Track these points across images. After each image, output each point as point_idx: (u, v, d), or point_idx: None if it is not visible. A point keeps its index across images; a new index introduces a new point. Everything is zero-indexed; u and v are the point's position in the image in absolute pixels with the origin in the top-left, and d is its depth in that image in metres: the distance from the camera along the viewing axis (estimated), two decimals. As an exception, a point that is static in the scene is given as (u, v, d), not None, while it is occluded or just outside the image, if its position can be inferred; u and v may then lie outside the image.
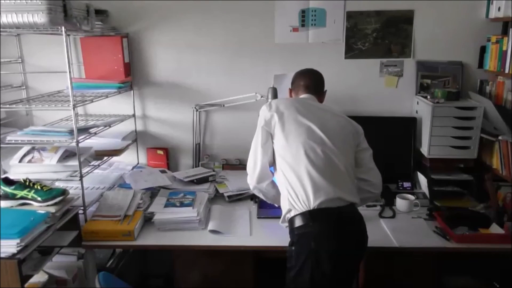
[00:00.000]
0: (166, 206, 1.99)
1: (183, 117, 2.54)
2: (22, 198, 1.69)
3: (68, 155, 1.96)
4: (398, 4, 2.36)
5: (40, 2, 1.60)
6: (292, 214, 1.57)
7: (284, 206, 1.62)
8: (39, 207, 1.66)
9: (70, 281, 1.94)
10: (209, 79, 2.50)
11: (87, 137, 1.96)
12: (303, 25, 2.40)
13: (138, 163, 2.60)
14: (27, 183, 1.72)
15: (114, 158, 2.39)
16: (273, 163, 1.71)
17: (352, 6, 2.36)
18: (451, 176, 2.24)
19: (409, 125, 2.36)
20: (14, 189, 1.70)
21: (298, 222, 1.53)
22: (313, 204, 1.51)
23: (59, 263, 1.98)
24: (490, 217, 1.91)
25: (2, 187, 1.70)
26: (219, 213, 2.04)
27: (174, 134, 2.59)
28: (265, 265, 1.96)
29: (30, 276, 1.59)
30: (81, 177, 1.86)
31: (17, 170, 1.91)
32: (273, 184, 1.74)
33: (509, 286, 1.97)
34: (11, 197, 1.70)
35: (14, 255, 1.42)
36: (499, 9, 2.19)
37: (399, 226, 1.93)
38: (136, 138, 2.58)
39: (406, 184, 2.29)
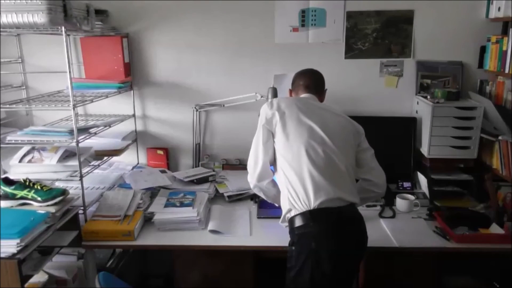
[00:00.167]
0: (166, 206, 1.99)
1: (183, 117, 2.54)
2: (22, 198, 1.69)
3: (68, 155, 1.96)
4: (398, 4, 2.36)
5: (40, 2, 1.60)
6: (292, 213, 1.57)
7: (284, 205, 1.62)
8: (39, 207, 1.66)
9: (70, 281, 1.94)
10: (209, 79, 2.50)
11: (87, 137, 1.96)
12: (303, 25, 2.40)
13: (138, 163, 2.60)
14: (27, 183, 1.72)
15: (114, 158, 2.39)
16: (273, 162, 1.71)
17: (352, 6, 2.36)
18: (451, 176, 2.24)
19: (409, 125, 2.36)
20: (14, 189, 1.70)
21: (298, 222, 1.53)
22: (313, 204, 1.51)
23: (59, 263, 1.98)
24: (490, 217, 1.91)
25: (2, 187, 1.70)
26: (219, 213, 2.03)
27: (174, 134, 2.59)
28: (265, 265, 1.96)
29: (30, 276, 1.59)
30: (81, 177, 1.86)
31: (17, 170, 1.91)
32: (274, 183, 1.74)
33: (509, 286, 1.97)
34: (11, 197, 1.70)
35: (14, 255, 1.42)
36: (499, 9, 2.19)
37: (399, 226, 1.93)
38: (136, 138, 2.58)
39: (406, 184, 2.29)
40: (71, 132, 1.83)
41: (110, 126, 2.18)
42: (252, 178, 1.73)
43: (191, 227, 1.91)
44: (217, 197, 2.24)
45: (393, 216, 2.03)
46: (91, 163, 2.08)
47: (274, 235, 1.83)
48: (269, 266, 1.96)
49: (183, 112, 2.53)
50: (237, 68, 2.48)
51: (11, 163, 1.92)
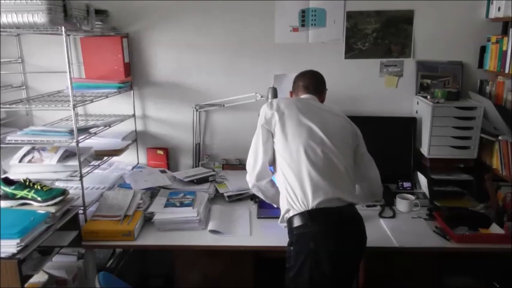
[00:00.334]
0: (166, 206, 1.99)
1: (183, 117, 2.54)
2: (22, 198, 1.70)
3: (68, 155, 1.96)
4: (398, 4, 2.36)
5: (40, 2, 1.60)
6: (290, 214, 1.57)
7: (283, 205, 1.62)
8: (39, 207, 1.66)
9: (70, 281, 1.94)
10: (209, 79, 2.50)
11: (87, 137, 1.96)
12: (303, 25, 2.40)
13: (138, 163, 2.60)
14: (27, 183, 1.72)
15: (114, 158, 2.39)
16: (272, 163, 1.71)
17: (352, 6, 2.36)
18: (451, 176, 2.24)
19: (409, 125, 2.36)
20: (14, 189, 1.70)
21: (296, 222, 1.53)
22: (311, 204, 1.51)
23: (59, 263, 1.98)
24: (490, 217, 1.91)
25: (2, 187, 1.70)
26: (219, 213, 2.03)
27: (174, 134, 2.59)
28: (265, 265, 1.96)
29: (30, 276, 1.59)
30: (81, 177, 1.86)
31: (17, 170, 1.91)
32: (272, 183, 1.74)
33: (509, 286, 1.97)
34: (11, 197, 1.70)
35: (14, 255, 1.42)
36: (499, 9, 2.19)
37: (399, 226, 1.93)
38: (136, 138, 2.58)
39: (406, 184, 2.29)
40: (71, 132, 1.83)
41: (110, 126, 2.18)
42: (251, 178, 1.73)
43: (191, 227, 1.91)
44: (217, 197, 2.24)
45: (393, 216, 2.03)
46: (91, 163, 2.08)
47: (274, 235, 1.82)
48: (269, 266, 1.96)
49: (183, 112, 2.53)
50: (237, 68, 2.48)
51: (11, 163, 1.92)
